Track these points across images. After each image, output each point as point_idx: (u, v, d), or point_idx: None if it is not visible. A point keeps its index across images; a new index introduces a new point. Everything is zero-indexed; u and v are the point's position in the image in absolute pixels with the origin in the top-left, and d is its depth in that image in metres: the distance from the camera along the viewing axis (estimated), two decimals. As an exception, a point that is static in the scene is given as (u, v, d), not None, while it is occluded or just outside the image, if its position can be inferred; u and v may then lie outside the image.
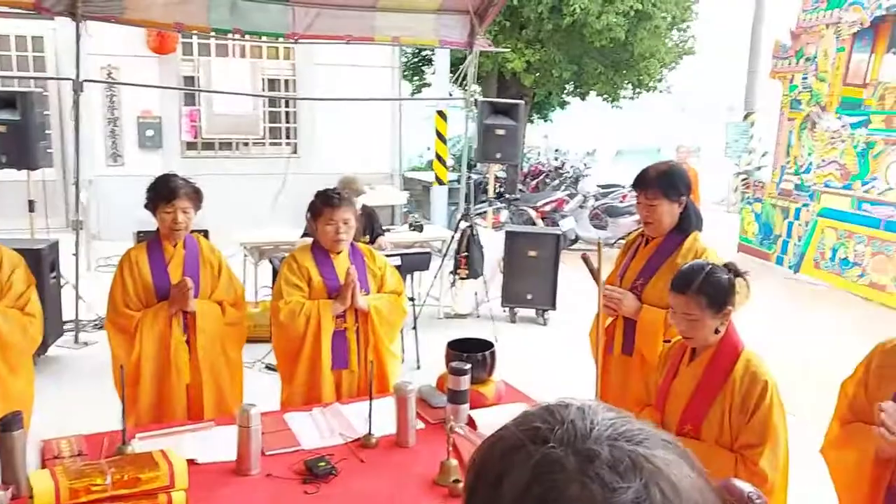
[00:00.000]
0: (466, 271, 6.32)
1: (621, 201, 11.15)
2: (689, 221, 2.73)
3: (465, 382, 2.47)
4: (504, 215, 10.00)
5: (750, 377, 2.07)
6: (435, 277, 6.46)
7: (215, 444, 2.31)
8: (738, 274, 2.14)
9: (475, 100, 6.88)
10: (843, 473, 1.99)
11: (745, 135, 14.14)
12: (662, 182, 2.69)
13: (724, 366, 2.10)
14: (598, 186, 11.77)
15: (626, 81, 12.03)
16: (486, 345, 2.75)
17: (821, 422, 2.18)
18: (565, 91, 13.64)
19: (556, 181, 12.99)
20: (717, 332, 2.12)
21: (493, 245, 6.83)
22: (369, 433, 2.34)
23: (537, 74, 11.56)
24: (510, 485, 0.57)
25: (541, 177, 14.06)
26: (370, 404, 2.35)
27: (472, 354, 2.63)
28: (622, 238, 10.09)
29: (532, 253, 6.60)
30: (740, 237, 10.14)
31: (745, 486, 1.44)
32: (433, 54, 11.93)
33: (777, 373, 2.14)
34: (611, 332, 2.83)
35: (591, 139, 25.07)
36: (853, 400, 2.00)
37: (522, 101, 7.32)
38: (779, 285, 8.18)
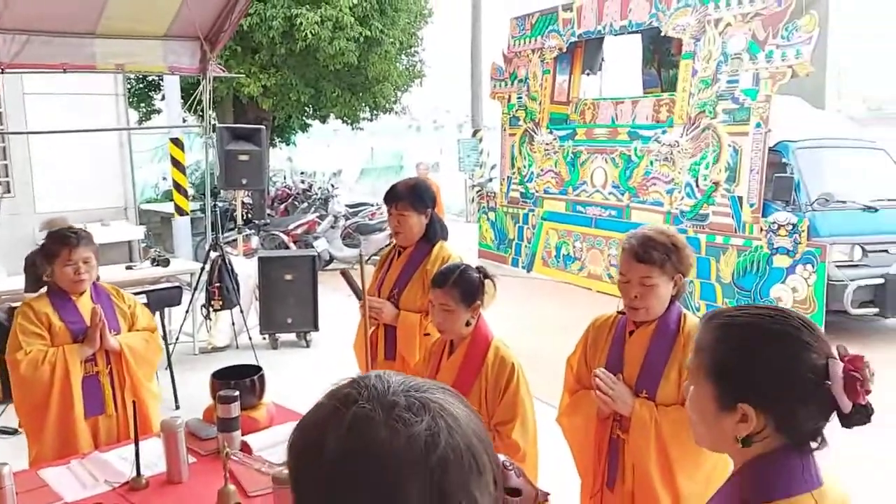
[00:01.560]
0: (221, 302, 6.15)
1: (370, 218, 11.52)
2: (434, 231, 3.01)
3: (235, 409, 2.47)
4: (255, 242, 9.84)
5: (499, 362, 2.36)
6: (187, 312, 6.21)
7: (-46, 519, 2.08)
8: (486, 276, 2.44)
9: (214, 126, 6.74)
10: (575, 435, 2.33)
11: (475, 150, 15.35)
12: (411, 195, 2.95)
13: (478, 354, 2.37)
14: (347, 206, 12.06)
15: (363, 104, 12.46)
16: (252, 370, 2.77)
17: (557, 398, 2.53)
18: (305, 114, 13.76)
19: (306, 203, 13.06)
20: (468, 324, 2.39)
21: (246, 272, 6.73)
22: (138, 475, 2.26)
23: (275, 98, 11.54)
24: (331, 443, 0.70)
25: (289, 200, 14.04)
26: (136, 445, 2.26)
27: (239, 381, 2.63)
28: (376, 254, 10.44)
29: (288, 276, 6.61)
30: (480, 243, 11.00)
31: (500, 456, 1.67)
32: (161, 80, 11.37)
33: (521, 360, 2.45)
34: (374, 340, 3.01)
35: (336, 160, 25.47)
36: (577, 372, 2.36)
37: (263, 126, 7.31)
38: (516, 284, 9.02)
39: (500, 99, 10.88)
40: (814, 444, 1.12)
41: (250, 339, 6.19)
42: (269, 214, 12.38)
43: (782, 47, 6.81)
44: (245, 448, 2.46)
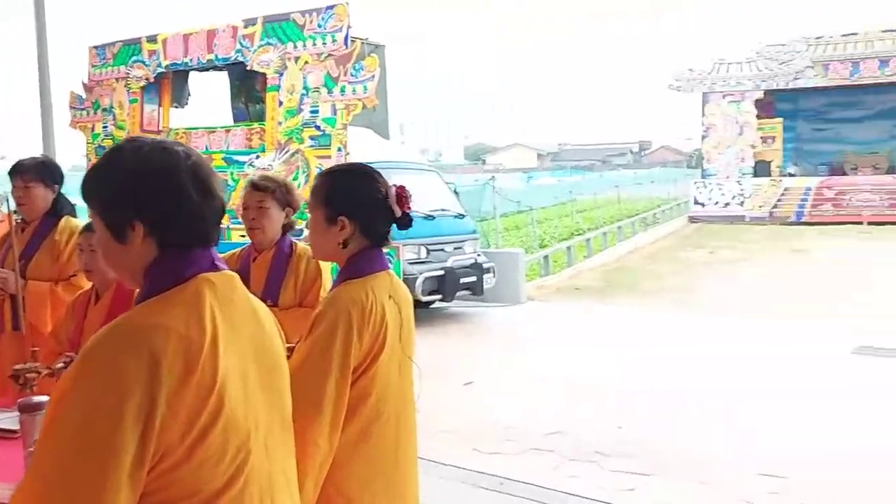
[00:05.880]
0: None
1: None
2: (61, 205, 3.16)
3: None
4: None
5: None
6: None
7: None
8: None
9: None
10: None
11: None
12: (38, 169, 3.07)
13: (126, 300, 2.65)
14: None
15: None
16: None
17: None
18: None
19: None
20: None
21: None
22: None
23: None
24: (118, 167, 1.11)
25: None
26: None
27: None
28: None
29: None
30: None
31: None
32: None
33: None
34: (1, 311, 3.02)
35: None
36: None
37: None
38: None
39: (82, 128, 10.44)
40: (383, 245, 1.86)
41: None
42: None
43: (352, 83, 8.05)
44: None
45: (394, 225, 1.88)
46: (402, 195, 1.86)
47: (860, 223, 21.52)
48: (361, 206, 1.83)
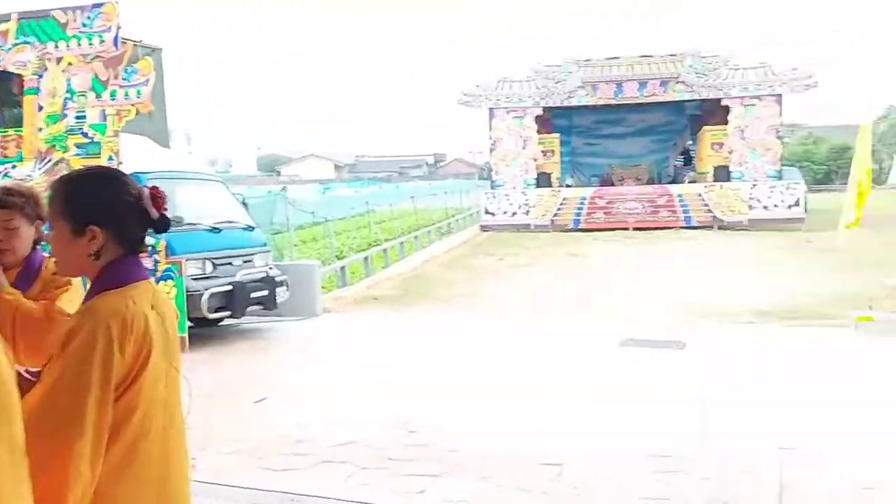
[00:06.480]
0: None
1: None
2: None
3: None
4: None
5: None
6: None
7: None
8: None
9: None
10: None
11: None
12: None
13: None
14: None
15: None
16: None
17: None
18: None
19: None
20: None
21: None
22: None
23: None
24: None
25: None
26: None
27: None
28: None
29: None
30: None
31: None
32: None
33: None
34: None
35: None
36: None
37: None
38: None
39: None
40: (140, 250, 1.73)
41: None
42: None
43: (124, 87, 7.51)
44: None
45: (150, 229, 1.75)
46: (157, 195, 1.73)
47: (627, 229, 23.82)
48: (112, 212, 1.67)
